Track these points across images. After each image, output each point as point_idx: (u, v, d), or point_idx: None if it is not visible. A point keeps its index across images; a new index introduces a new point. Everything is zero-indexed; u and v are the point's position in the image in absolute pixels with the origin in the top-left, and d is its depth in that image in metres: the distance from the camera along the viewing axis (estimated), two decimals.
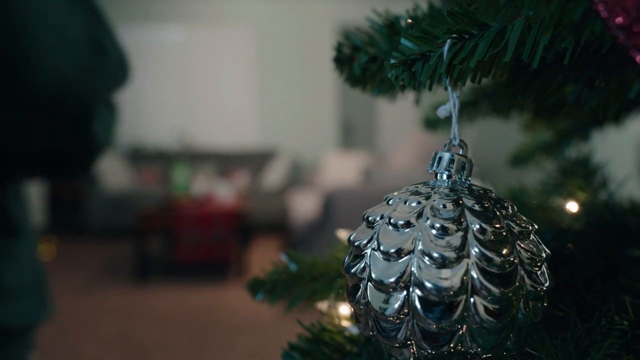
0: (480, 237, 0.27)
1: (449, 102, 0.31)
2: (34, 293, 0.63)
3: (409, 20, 0.36)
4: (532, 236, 0.29)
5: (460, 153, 0.32)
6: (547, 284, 0.28)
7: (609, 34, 0.23)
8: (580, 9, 0.24)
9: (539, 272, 0.28)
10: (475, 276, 0.26)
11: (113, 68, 0.60)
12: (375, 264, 0.28)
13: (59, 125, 0.56)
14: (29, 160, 0.60)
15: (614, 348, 0.28)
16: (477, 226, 0.27)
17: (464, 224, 0.27)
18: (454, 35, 0.28)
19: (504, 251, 0.27)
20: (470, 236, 0.27)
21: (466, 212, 0.28)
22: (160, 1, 6.04)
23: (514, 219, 0.29)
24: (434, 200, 0.29)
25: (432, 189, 0.30)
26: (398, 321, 0.28)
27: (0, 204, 0.59)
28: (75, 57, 0.55)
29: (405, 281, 0.27)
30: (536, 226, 0.30)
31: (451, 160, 0.31)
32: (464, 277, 0.26)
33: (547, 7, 0.24)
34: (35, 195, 5.24)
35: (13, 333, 0.60)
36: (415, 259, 0.27)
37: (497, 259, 0.27)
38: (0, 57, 0.51)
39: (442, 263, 0.26)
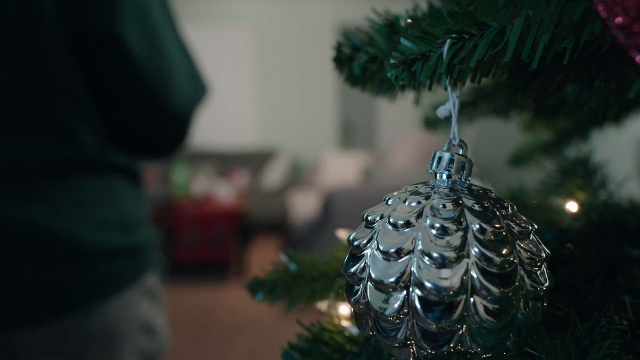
0: (480, 237, 0.27)
1: (449, 102, 0.31)
2: (151, 223, 0.92)
3: (409, 20, 0.36)
4: (532, 236, 0.29)
5: (460, 153, 0.32)
6: (547, 284, 0.28)
7: (609, 34, 0.23)
8: (580, 9, 0.24)
9: (539, 272, 0.28)
10: (475, 276, 0.26)
11: (200, 91, 0.89)
12: (375, 264, 0.28)
13: (179, 128, 0.86)
14: (154, 147, 0.88)
15: (614, 348, 0.28)
16: (477, 226, 0.27)
17: (464, 224, 0.27)
18: (454, 36, 0.28)
19: (504, 251, 0.27)
20: (470, 236, 0.27)
21: (466, 212, 0.28)
22: None
23: (514, 219, 0.29)
24: (434, 200, 0.29)
25: (432, 189, 0.30)
26: (398, 321, 0.28)
27: (131, 163, 0.87)
28: (186, 84, 0.83)
29: (405, 281, 0.27)
30: (536, 226, 0.30)
31: (451, 161, 0.31)
32: (464, 277, 0.26)
33: (547, 7, 0.24)
34: None
35: (150, 248, 0.86)
36: (415, 259, 0.27)
37: (497, 259, 0.27)
38: (152, 84, 0.76)
39: (442, 263, 0.26)
